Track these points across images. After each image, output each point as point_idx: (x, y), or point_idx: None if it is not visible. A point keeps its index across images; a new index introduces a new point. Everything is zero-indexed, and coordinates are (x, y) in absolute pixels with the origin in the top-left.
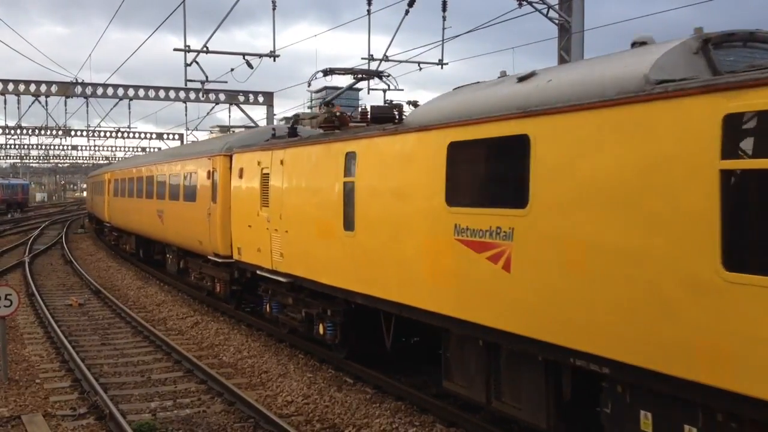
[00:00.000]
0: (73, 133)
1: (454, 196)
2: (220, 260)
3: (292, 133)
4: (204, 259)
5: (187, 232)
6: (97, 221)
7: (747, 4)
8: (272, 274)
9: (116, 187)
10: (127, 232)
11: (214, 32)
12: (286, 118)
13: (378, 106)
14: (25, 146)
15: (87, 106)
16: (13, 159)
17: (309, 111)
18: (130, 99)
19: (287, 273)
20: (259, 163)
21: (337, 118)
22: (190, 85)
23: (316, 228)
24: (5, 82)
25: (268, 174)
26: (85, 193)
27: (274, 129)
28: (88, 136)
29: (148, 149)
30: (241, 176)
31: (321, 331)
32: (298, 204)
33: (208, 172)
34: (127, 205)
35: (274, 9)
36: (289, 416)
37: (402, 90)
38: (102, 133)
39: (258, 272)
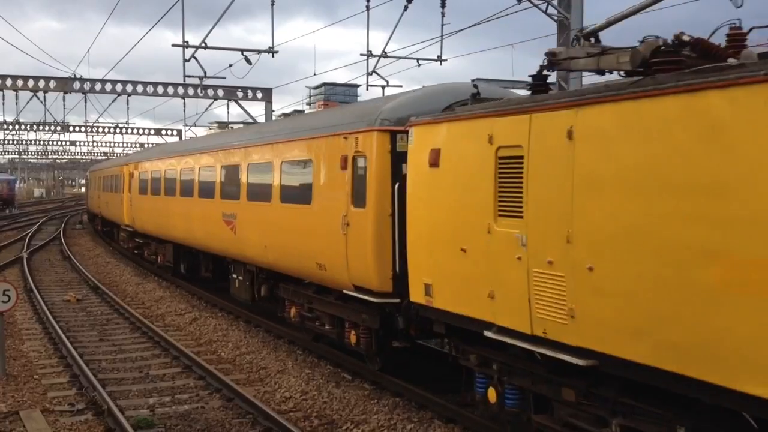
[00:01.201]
0: (71, 128)
1: None
2: (369, 298)
3: (540, 85)
4: (318, 290)
5: (292, 248)
6: (104, 223)
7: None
8: (532, 344)
9: (143, 183)
10: (159, 239)
11: (213, 28)
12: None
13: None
14: (24, 142)
15: (85, 102)
16: (11, 155)
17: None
18: (129, 95)
19: (583, 348)
20: (491, 140)
21: (695, 44)
22: (188, 80)
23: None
24: (3, 77)
25: (521, 160)
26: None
27: (475, 86)
28: (86, 131)
29: (147, 145)
30: (435, 163)
31: None
32: (625, 218)
33: (343, 158)
34: (163, 206)
35: (272, 5)
36: (288, 412)
37: (401, 86)
38: (100, 129)
39: (485, 333)
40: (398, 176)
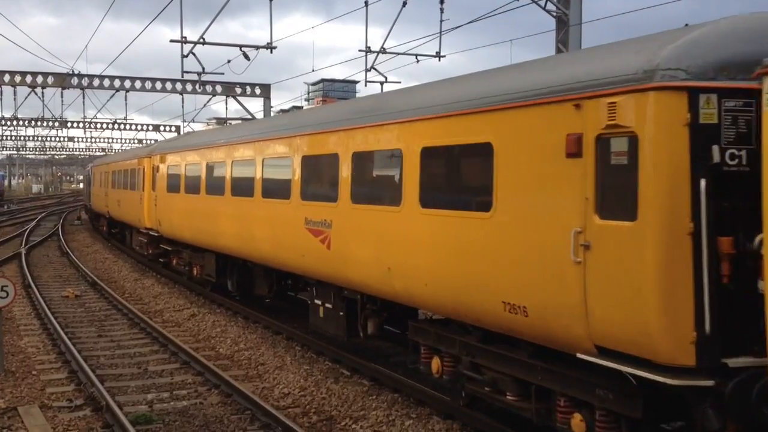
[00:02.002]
0: (69, 124)
1: None
2: (647, 374)
3: None
4: (486, 337)
5: (445, 276)
6: (111, 224)
7: None
8: None
9: (174, 178)
10: (194, 247)
11: (211, 23)
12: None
13: None
14: (22, 138)
15: (83, 98)
16: (9, 151)
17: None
18: (127, 90)
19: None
20: None
21: None
22: (186, 76)
23: None
24: (1, 73)
25: None
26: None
27: None
28: (84, 127)
29: (145, 141)
30: None
31: None
32: None
33: (573, 140)
34: (204, 207)
35: (271, 0)
36: (286, 408)
37: (399, 82)
38: (98, 125)
39: None
40: (703, 166)
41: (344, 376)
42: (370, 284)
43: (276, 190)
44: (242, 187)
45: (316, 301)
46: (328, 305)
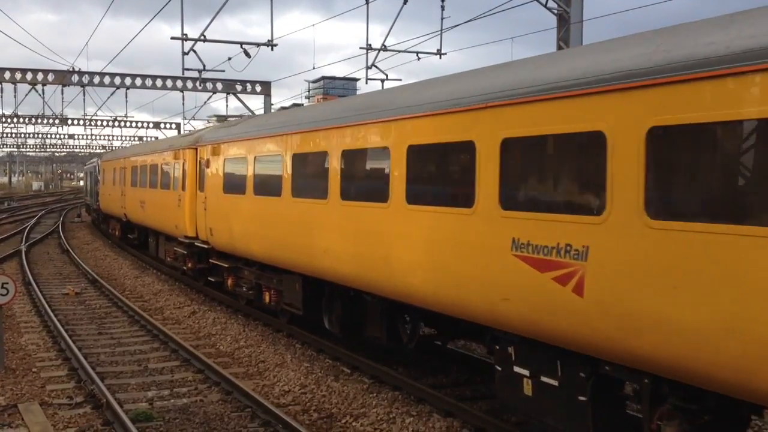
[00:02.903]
0: (69, 121)
1: None
2: None
3: None
4: None
5: None
6: (127, 227)
7: None
8: None
9: (234, 177)
10: (267, 266)
11: (212, 21)
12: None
13: None
14: (22, 135)
15: (84, 95)
16: (9, 148)
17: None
18: (128, 88)
19: None
20: None
21: None
22: (187, 74)
23: None
24: (2, 70)
25: None
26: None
27: None
28: (84, 125)
29: (145, 138)
30: None
31: None
32: None
33: None
34: (288, 214)
35: None
36: (287, 406)
37: (400, 80)
38: (98, 122)
39: None
40: None
41: (344, 373)
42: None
43: (449, 193)
44: (363, 189)
45: (520, 371)
46: (548, 380)
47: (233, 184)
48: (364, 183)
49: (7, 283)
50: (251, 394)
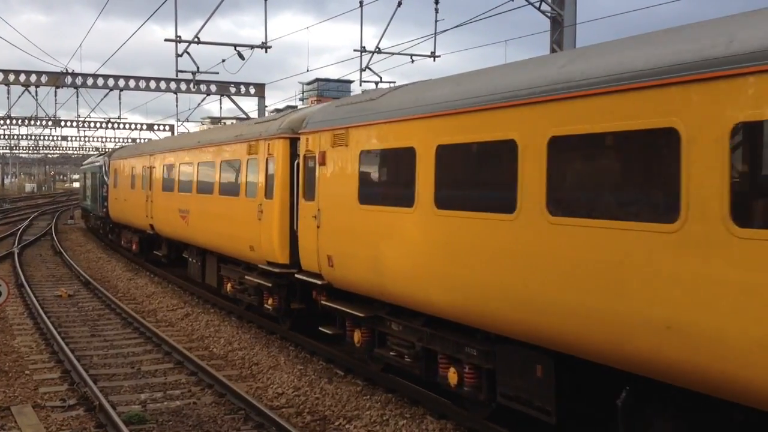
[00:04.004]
0: (62, 123)
1: None
2: None
3: None
4: None
5: None
6: (149, 242)
7: None
8: None
9: (384, 177)
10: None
11: (205, 23)
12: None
13: None
14: (15, 137)
15: (77, 97)
16: (2, 149)
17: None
18: (121, 90)
19: None
20: None
21: None
22: (181, 76)
23: None
24: None
25: None
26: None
27: None
28: (78, 126)
29: (138, 140)
30: None
31: None
32: None
33: None
34: (526, 243)
35: (266, 0)
36: (280, 408)
37: (394, 82)
38: (92, 124)
39: None
40: None
41: (338, 376)
42: None
43: None
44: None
45: None
46: None
47: (382, 192)
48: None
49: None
50: (244, 397)
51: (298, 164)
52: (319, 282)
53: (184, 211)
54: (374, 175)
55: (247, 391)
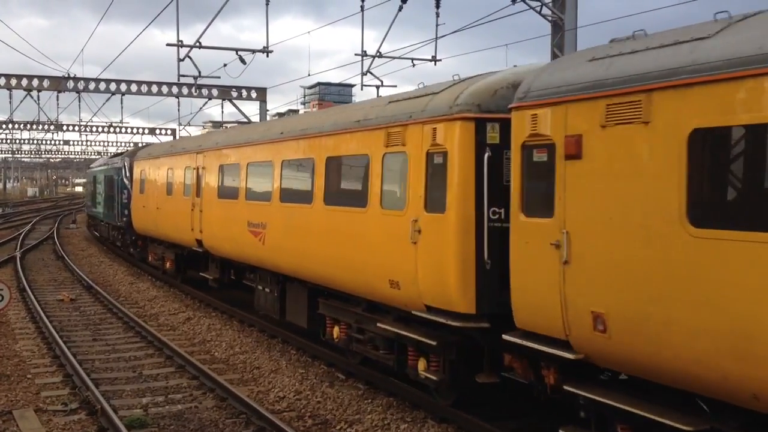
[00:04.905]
0: (64, 128)
1: None
2: None
3: None
4: None
5: None
6: (187, 260)
7: None
8: None
9: None
10: None
11: (207, 27)
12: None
13: None
14: (17, 141)
15: (79, 101)
16: (4, 154)
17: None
18: (123, 94)
19: None
20: None
21: None
22: (182, 80)
23: None
24: None
25: None
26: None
27: None
28: (80, 131)
29: (140, 144)
30: None
31: None
32: None
33: None
34: None
35: (267, 4)
36: (281, 412)
37: (395, 86)
38: (94, 128)
39: None
40: None
41: (339, 379)
42: None
43: None
44: None
45: None
46: None
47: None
48: None
49: (1, 290)
50: (246, 401)
51: (488, 159)
52: (568, 355)
53: (256, 225)
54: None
55: (249, 395)
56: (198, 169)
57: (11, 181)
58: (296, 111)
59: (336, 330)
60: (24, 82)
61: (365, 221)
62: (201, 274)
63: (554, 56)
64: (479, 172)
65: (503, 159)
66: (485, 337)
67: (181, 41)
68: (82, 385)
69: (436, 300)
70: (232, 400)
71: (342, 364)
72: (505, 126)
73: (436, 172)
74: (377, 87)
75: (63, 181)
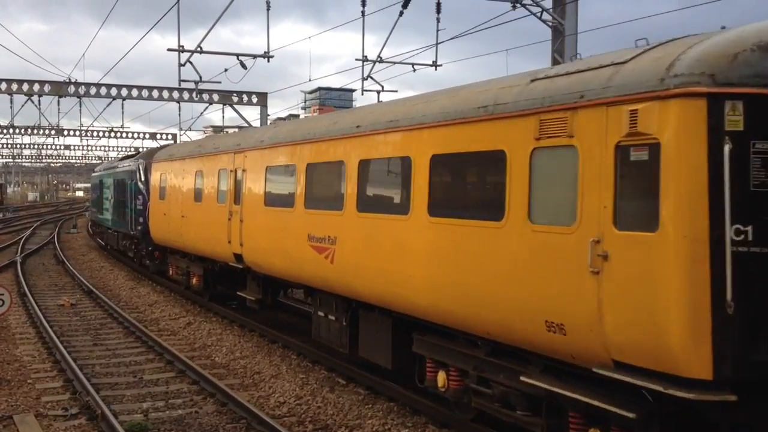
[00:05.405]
0: (65, 132)
1: None
2: None
3: None
4: None
5: None
6: (215, 278)
7: (739, 4)
8: None
9: None
10: None
11: (208, 33)
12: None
13: None
14: (18, 146)
15: (80, 106)
16: (5, 158)
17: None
18: (124, 99)
19: None
20: None
21: None
22: (183, 85)
23: None
24: None
25: None
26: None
27: None
28: (80, 135)
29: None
30: None
31: None
32: None
33: None
34: None
35: (268, 9)
36: (282, 417)
37: (396, 91)
38: (95, 133)
39: None
40: None
41: (340, 385)
42: None
43: None
44: None
45: None
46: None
47: None
48: None
49: (2, 294)
50: (246, 406)
51: (729, 153)
52: None
53: (321, 240)
54: None
55: (249, 400)
56: (236, 171)
57: (12, 185)
58: (297, 116)
59: (442, 376)
60: (25, 87)
61: (499, 239)
62: (239, 293)
63: (555, 62)
64: (714, 172)
65: (749, 153)
66: (726, 413)
67: (182, 46)
68: (82, 390)
69: (638, 356)
70: (233, 405)
71: (342, 369)
72: (754, 105)
73: (635, 172)
74: (378, 92)
75: (64, 185)
